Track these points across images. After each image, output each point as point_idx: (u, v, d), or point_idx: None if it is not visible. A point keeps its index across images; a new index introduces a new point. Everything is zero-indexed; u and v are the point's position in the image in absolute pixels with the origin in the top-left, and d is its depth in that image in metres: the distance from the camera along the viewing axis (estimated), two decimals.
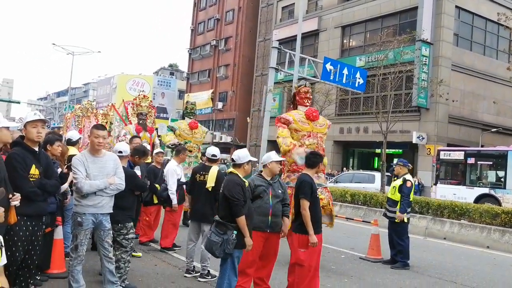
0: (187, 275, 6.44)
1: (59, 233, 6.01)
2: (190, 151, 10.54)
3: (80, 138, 8.16)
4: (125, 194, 5.29)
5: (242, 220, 4.76)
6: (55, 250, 5.96)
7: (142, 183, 6.19)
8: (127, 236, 5.58)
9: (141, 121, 11.47)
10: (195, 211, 6.62)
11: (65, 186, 5.54)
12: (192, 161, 10.69)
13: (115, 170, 5.05)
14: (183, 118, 11.44)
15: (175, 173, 7.85)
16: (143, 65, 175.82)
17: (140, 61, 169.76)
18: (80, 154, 5.12)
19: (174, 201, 7.75)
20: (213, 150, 6.81)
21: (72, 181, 5.20)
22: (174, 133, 10.95)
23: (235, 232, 4.72)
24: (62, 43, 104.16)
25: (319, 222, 5.33)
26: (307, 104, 7.99)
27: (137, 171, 6.44)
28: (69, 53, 49.42)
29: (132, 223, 5.97)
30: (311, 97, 8.07)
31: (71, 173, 5.09)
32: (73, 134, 7.74)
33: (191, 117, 11.29)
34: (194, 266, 6.52)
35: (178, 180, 7.89)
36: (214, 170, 6.46)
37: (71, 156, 5.31)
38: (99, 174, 4.87)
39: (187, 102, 12.52)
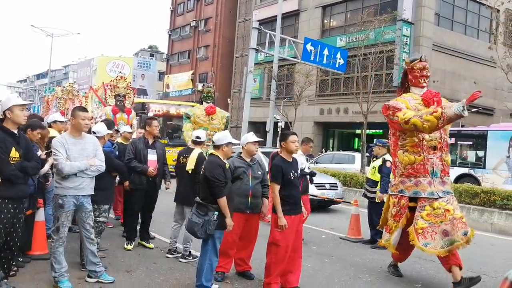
0: (169, 255, 6.47)
1: (40, 215, 6.02)
2: (209, 140, 9.27)
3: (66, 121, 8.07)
4: (103, 175, 5.28)
5: (223, 200, 4.79)
6: (37, 232, 5.97)
7: (118, 163, 6.22)
8: (97, 218, 5.69)
9: (118, 103, 11.47)
10: (178, 193, 6.67)
11: (46, 168, 5.50)
12: (210, 150, 9.65)
13: (95, 152, 5.06)
14: (201, 103, 10.34)
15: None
16: (123, 47, 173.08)
17: (120, 43, 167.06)
18: (60, 136, 5.13)
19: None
20: (197, 132, 6.94)
21: (53, 164, 5.18)
22: (189, 120, 10.08)
23: (216, 213, 4.76)
24: (41, 24, 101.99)
25: (297, 203, 5.26)
26: (424, 84, 6.11)
27: (153, 155, 6.79)
28: (48, 35, 48.57)
29: (107, 206, 6.02)
30: (429, 74, 6.18)
31: (51, 156, 5.05)
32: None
33: (209, 101, 10.16)
34: (176, 247, 6.56)
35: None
36: (194, 153, 6.48)
37: (51, 138, 5.26)
38: (79, 156, 4.88)
39: (203, 85, 11.50)
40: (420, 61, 6.10)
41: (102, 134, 5.95)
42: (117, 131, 8.30)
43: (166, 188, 7.33)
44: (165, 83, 49.39)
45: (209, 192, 4.86)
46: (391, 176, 7.21)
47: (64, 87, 21.55)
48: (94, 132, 5.82)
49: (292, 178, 5.16)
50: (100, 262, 5.18)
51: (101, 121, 7.50)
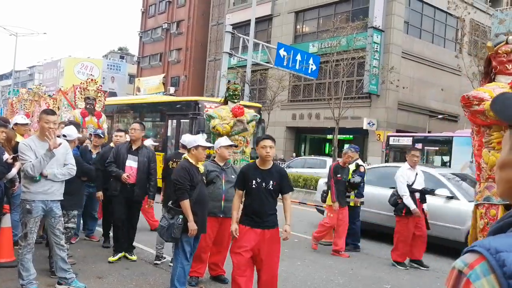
0: (157, 262, 6.37)
1: (6, 222, 5.84)
2: (235, 146, 7.75)
3: (28, 123, 7.83)
4: (71, 180, 5.15)
5: (185, 204, 4.79)
6: (3, 239, 5.79)
7: (87, 168, 6.04)
8: (66, 224, 5.49)
9: (88, 106, 11.21)
10: (166, 197, 6.53)
11: (13, 172, 5.36)
12: (238, 158, 8.00)
13: (66, 156, 4.95)
14: (226, 103, 8.65)
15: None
16: (92, 48, 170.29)
17: (89, 44, 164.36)
18: (29, 139, 4.99)
19: None
20: (185, 137, 6.62)
21: (20, 168, 5.05)
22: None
23: (181, 216, 4.76)
24: (4, 23, 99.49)
25: (256, 216, 4.62)
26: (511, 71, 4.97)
27: (133, 162, 6.40)
28: (12, 34, 47.42)
29: (76, 212, 5.87)
30: None
31: (19, 160, 4.92)
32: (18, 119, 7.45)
33: (236, 101, 8.58)
34: (163, 253, 6.49)
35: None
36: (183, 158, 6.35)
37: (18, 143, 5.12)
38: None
39: (228, 81, 9.84)
40: (507, 43, 5.05)
41: (73, 137, 5.78)
42: (97, 135, 7.93)
43: (147, 206, 6.98)
44: (136, 86, 48.82)
45: (176, 196, 4.87)
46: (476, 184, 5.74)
47: (30, 88, 21.09)
48: (64, 136, 5.66)
49: (254, 187, 4.62)
50: (71, 269, 5.06)
51: (68, 122, 7.22)
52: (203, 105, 13.80)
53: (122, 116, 18.24)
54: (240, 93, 8.63)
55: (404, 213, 7.14)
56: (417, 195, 7.24)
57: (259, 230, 4.59)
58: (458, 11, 20.12)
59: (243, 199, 4.84)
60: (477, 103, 4.72)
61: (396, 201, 7.33)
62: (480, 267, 0.89)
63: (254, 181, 4.62)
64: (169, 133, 15.42)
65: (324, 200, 8.61)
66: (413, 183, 7.23)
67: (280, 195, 4.78)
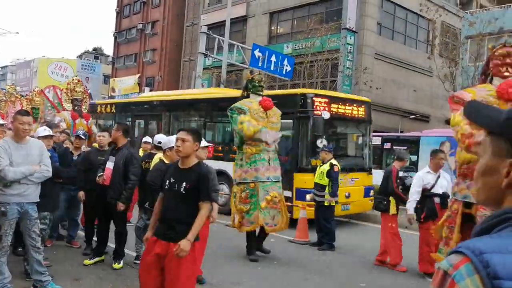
0: (137, 261, 6.19)
1: None
2: (267, 143, 7.32)
3: (3, 124, 7.71)
4: (44, 181, 5.07)
5: None
6: None
7: (59, 169, 6.00)
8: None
9: (76, 107, 10.81)
10: (142, 198, 6.50)
11: None
12: (272, 157, 7.37)
13: (41, 157, 4.91)
14: (247, 96, 7.69)
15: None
16: (66, 48, 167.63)
17: (63, 44, 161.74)
18: (2, 141, 4.92)
19: None
20: (159, 137, 6.51)
21: None
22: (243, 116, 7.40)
23: None
24: None
25: (164, 224, 3.82)
26: (506, 74, 4.99)
27: (111, 163, 6.17)
28: None
29: (47, 213, 5.78)
30: None
31: None
32: None
33: (261, 92, 7.65)
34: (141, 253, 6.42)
35: None
36: (155, 158, 6.23)
37: None
38: (23, 162, 4.72)
39: (250, 71, 8.52)
40: (504, 46, 5.08)
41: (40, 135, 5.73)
42: (78, 136, 7.53)
43: (117, 210, 6.19)
44: (111, 86, 48.32)
45: (151, 197, 4.88)
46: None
47: (3, 89, 20.68)
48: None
49: (166, 188, 3.86)
50: (47, 271, 5.04)
51: (45, 124, 7.16)
52: (313, 100, 10.38)
53: (178, 114, 14.51)
54: (264, 85, 7.83)
55: (423, 218, 6.76)
56: (437, 199, 6.82)
57: (163, 243, 3.73)
58: (429, 13, 20.56)
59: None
60: (457, 101, 4.82)
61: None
62: (464, 268, 0.91)
63: (167, 181, 3.85)
64: None
65: None
66: (432, 187, 6.82)
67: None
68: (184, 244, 3.57)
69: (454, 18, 26.27)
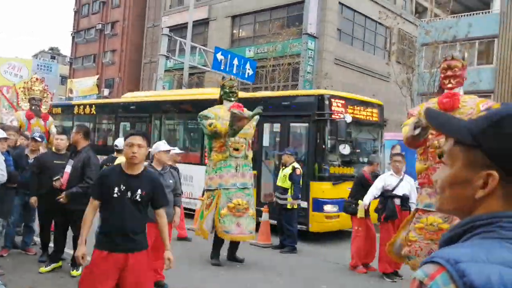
0: None
1: None
2: (236, 149, 7.43)
3: None
4: None
5: None
6: None
7: (12, 173, 5.77)
8: None
9: (33, 107, 10.47)
10: None
11: None
12: (240, 163, 7.42)
13: None
14: (220, 102, 7.77)
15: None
16: (20, 48, 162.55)
17: (17, 43, 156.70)
18: None
19: None
20: (117, 141, 6.59)
21: None
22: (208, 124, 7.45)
23: None
24: None
25: (117, 235, 3.59)
26: (449, 86, 5.11)
27: (69, 166, 5.96)
28: None
29: (0, 219, 5.59)
30: (460, 74, 5.11)
31: None
32: None
33: (232, 99, 7.68)
34: None
35: None
36: (117, 162, 6.22)
37: None
38: None
39: (223, 78, 8.58)
40: (445, 60, 5.23)
41: None
42: (33, 138, 7.22)
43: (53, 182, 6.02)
44: (68, 87, 47.13)
45: None
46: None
47: None
48: None
49: (116, 196, 3.61)
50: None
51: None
52: (331, 102, 9.68)
53: (169, 116, 13.90)
54: (237, 90, 7.82)
55: (383, 218, 6.90)
56: (398, 201, 6.93)
57: (121, 255, 3.55)
58: (388, 21, 21.07)
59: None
60: (408, 117, 5.18)
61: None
62: (440, 278, 0.90)
63: (116, 189, 3.60)
64: (266, 143, 11.02)
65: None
66: (394, 189, 6.94)
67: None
68: (171, 255, 3.81)
69: (411, 26, 27.01)
